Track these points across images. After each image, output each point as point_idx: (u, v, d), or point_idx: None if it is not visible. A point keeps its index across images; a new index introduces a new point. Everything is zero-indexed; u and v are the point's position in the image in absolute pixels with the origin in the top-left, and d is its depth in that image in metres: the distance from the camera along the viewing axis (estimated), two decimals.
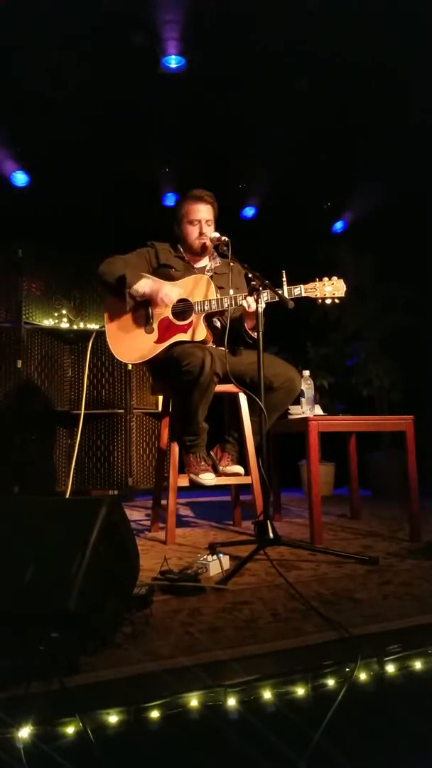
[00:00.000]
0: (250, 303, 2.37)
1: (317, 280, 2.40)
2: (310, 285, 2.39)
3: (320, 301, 2.40)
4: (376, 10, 3.26)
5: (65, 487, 3.76)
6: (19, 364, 4.22)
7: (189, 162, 4.62)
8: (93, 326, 4.55)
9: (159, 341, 2.51)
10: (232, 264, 2.66)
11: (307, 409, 2.61)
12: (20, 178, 4.66)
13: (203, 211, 2.65)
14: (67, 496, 3.29)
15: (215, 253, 2.69)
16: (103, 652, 1.16)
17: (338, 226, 5.36)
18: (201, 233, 2.63)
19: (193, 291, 2.53)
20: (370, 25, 3.35)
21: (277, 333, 2.71)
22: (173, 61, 3.80)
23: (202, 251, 2.67)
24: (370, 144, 4.34)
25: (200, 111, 4.10)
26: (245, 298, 2.38)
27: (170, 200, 5.07)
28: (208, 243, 2.60)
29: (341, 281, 2.41)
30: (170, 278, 2.61)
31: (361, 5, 3.26)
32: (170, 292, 2.47)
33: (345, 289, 2.40)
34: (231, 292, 2.49)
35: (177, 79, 3.89)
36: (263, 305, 2.21)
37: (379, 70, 3.69)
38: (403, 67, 3.65)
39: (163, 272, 2.64)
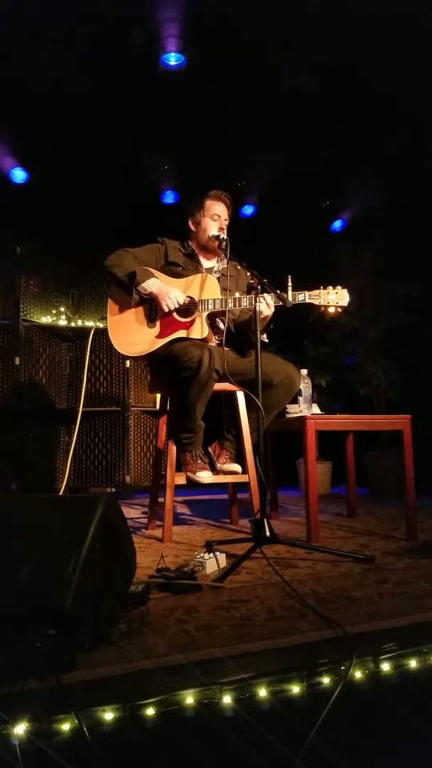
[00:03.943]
0: (270, 304, 2.40)
1: (321, 287, 2.42)
2: (314, 292, 2.41)
3: (323, 308, 2.42)
4: (376, 10, 3.26)
5: (62, 484, 3.76)
6: (17, 361, 4.22)
7: (188, 160, 4.61)
8: (91, 323, 4.55)
9: (160, 336, 2.51)
10: (239, 267, 2.67)
11: (304, 408, 2.62)
12: (19, 175, 4.65)
13: (224, 210, 2.71)
14: (64, 493, 3.29)
15: (223, 255, 2.69)
16: (99, 650, 1.17)
17: (337, 224, 5.36)
18: (221, 228, 2.66)
19: (198, 289, 2.53)
20: (370, 24, 3.35)
21: (275, 332, 2.72)
22: (173, 59, 3.79)
23: (217, 247, 2.64)
24: (369, 143, 4.34)
25: (199, 108, 4.09)
26: (265, 299, 2.39)
27: (169, 198, 5.06)
28: (223, 237, 2.59)
29: (345, 291, 2.43)
30: (176, 276, 2.61)
31: (362, 6, 3.26)
32: (176, 297, 2.47)
33: (348, 299, 2.42)
34: (237, 294, 2.49)
35: (176, 77, 3.88)
36: (267, 306, 2.24)
37: (380, 69, 3.68)
38: (403, 67, 3.65)
39: (170, 270, 2.65)
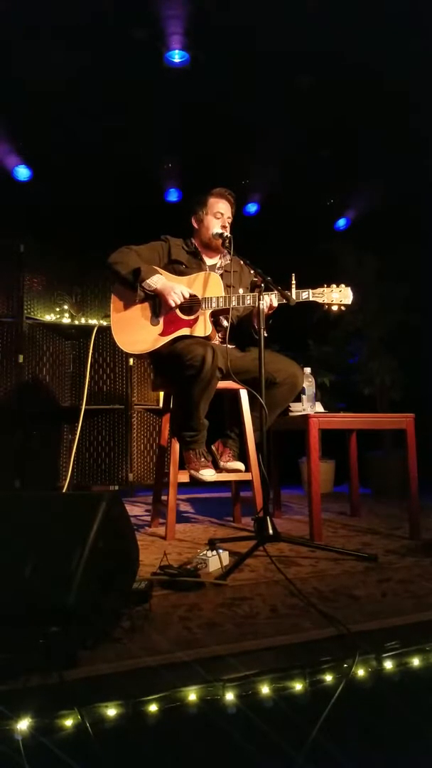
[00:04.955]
0: (273, 302, 2.39)
1: (325, 286, 2.43)
2: (318, 290, 2.42)
3: (326, 306, 2.43)
4: (377, 10, 3.25)
5: (65, 482, 3.77)
6: (21, 359, 4.23)
7: (191, 158, 4.60)
8: (94, 321, 4.55)
9: (163, 334, 2.51)
10: (242, 264, 2.67)
11: (308, 407, 2.62)
12: (22, 173, 4.65)
13: (227, 209, 2.71)
14: (67, 491, 3.30)
15: (226, 252, 2.69)
16: (102, 647, 1.17)
17: (341, 223, 5.34)
18: (224, 226, 2.66)
19: (201, 287, 2.53)
20: (370, 24, 3.34)
21: (279, 330, 2.72)
22: (177, 56, 3.79)
23: (220, 245, 2.64)
24: (372, 142, 4.33)
25: (203, 106, 4.09)
26: (270, 297, 2.39)
27: (172, 196, 5.06)
28: (227, 235, 2.59)
29: (348, 289, 2.44)
30: (180, 274, 2.61)
31: (362, 5, 3.25)
32: (182, 292, 2.47)
33: (352, 297, 2.44)
34: (240, 291, 2.49)
35: (180, 74, 3.87)
36: (267, 303, 2.25)
37: (380, 70, 3.67)
38: (404, 67, 3.64)
39: (173, 268, 2.65)
